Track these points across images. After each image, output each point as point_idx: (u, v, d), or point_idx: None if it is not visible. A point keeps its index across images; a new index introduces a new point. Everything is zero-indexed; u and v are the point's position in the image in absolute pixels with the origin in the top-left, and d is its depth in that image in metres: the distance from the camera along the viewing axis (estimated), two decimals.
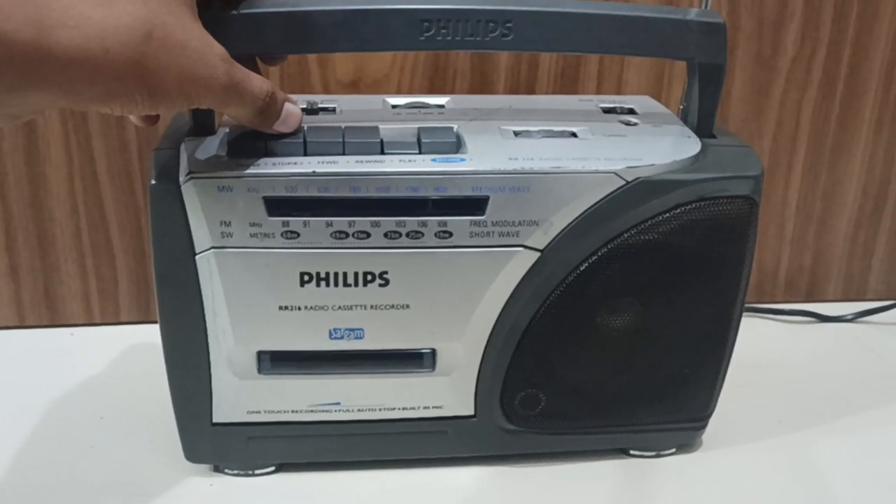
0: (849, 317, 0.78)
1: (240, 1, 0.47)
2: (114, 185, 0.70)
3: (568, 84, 0.72)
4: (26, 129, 0.67)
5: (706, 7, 0.54)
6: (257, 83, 0.45)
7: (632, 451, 0.59)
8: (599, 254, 0.50)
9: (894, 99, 0.75)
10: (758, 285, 0.79)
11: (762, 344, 0.72)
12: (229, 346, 0.51)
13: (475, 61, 0.70)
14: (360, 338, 0.51)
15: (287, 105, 0.48)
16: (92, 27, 0.36)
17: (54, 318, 0.74)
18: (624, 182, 0.49)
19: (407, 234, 0.49)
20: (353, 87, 0.69)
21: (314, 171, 0.47)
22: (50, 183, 0.70)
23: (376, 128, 0.50)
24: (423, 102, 0.58)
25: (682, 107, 0.56)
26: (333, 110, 0.56)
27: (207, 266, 0.49)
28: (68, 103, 0.37)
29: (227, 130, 0.50)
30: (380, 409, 0.54)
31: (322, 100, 0.57)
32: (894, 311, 0.78)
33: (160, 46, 0.38)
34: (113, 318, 0.74)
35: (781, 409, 0.64)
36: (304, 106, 0.56)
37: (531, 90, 0.72)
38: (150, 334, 0.53)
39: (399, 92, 0.70)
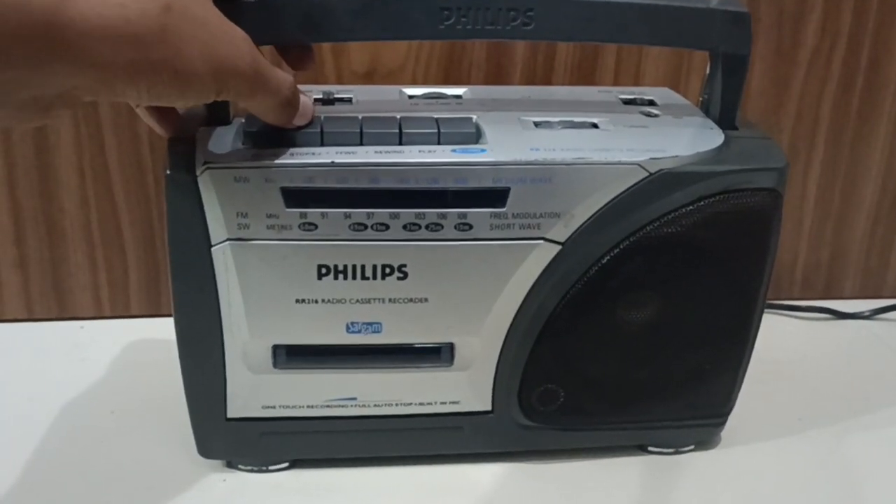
0: (866, 313, 0.77)
1: None
2: (125, 176, 0.70)
3: (585, 76, 0.71)
4: None
5: None
6: (281, 72, 0.44)
7: (650, 448, 0.58)
8: (621, 247, 0.50)
9: None
10: (775, 281, 0.77)
11: (779, 341, 0.71)
12: (244, 339, 0.50)
13: (491, 52, 0.69)
14: (378, 332, 0.50)
15: (302, 97, 0.47)
16: None
17: (63, 311, 0.73)
18: (647, 174, 0.48)
19: (426, 227, 0.48)
20: (368, 77, 0.69)
21: (333, 162, 0.46)
22: (60, 174, 0.69)
23: (394, 118, 0.49)
24: (441, 93, 0.57)
25: (702, 98, 0.55)
26: (350, 100, 0.55)
27: (223, 258, 0.48)
28: (95, 81, 0.36)
29: (243, 120, 0.49)
30: (396, 405, 0.53)
31: (338, 90, 0.57)
32: None
33: (181, 19, 0.37)
34: (123, 312, 0.74)
35: (800, 406, 0.64)
36: (320, 96, 0.55)
37: (547, 82, 0.71)
38: (161, 328, 0.53)
39: (414, 82, 0.69)
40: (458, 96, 0.57)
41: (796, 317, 0.77)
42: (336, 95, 0.55)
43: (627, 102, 0.57)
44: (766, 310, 0.55)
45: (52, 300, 0.73)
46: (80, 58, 0.35)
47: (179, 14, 0.38)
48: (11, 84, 0.34)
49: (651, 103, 0.57)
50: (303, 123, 0.48)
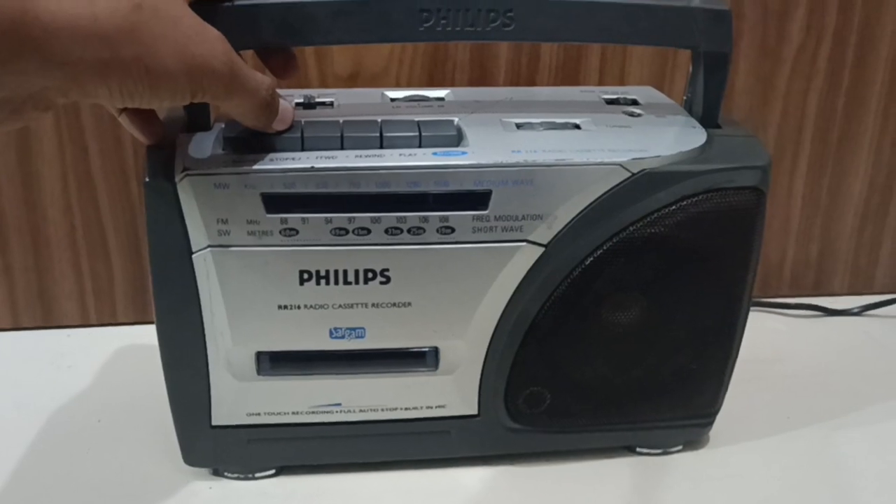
0: (855, 310, 0.77)
1: None
2: (108, 183, 0.69)
3: (569, 76, 0.70)
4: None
5: None
6: (258, 74, 0.44)
7: (638, 449, 0.58)
8: (605, 248, 0.49)
9: None
10: (763, 279, 0.78)
11: (768, 339, 0.72)
12: (227, 346, 0.50)
13: (474, 54, 0.69)
14: (362, 337, 0.50)
15: (281, 102, 0.47)
16: None
17: (49, 320, 0.73)
18: (629, 174, 0.48)
19: (408, 230, 0.48)
20: (351, 80, 0.68)
21: (313, 167, 0.46)
22: (43, 181, 0.68)
23: (375, 121, 0.49)
24: (423, 95, 0.57)
25: (686, 97, 0.55)
26: (331, 104, 0.55)
27: (204, 265, 0.48)
28: (65, 81, 0.36)
29: (223, 126, 0.49)
30: (382, 410, 0.53)
31: (319, 94, 0.56)
32: None
33: (152, 16, 0.37)
34: (109, 319, 0.73)
35: (789, 405, 0.63)
36: (301, 100, 0.55)
37: (532, 83, 0.70)
38: (147, 335, 0.52)
39: (398, 85, 0.69)
40: (441, 99, 0.57)
41: (785, 314, 0.77)
42: (317, 99, 0.55)
43: (610, 102, 0.57)
44: (754, 307, 0.55)
45: (37, 309, 0.72)
46: (49, 57, 0.35)
47: (150, 12, 0.37)
48: None
49: (634, 103, 0.57)
50: (282, 128, 0.47)
